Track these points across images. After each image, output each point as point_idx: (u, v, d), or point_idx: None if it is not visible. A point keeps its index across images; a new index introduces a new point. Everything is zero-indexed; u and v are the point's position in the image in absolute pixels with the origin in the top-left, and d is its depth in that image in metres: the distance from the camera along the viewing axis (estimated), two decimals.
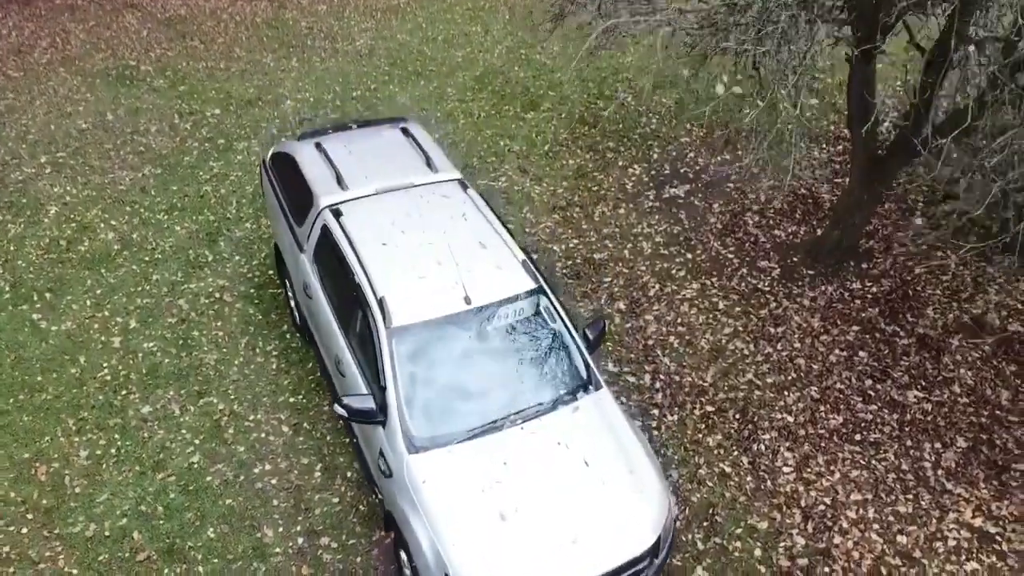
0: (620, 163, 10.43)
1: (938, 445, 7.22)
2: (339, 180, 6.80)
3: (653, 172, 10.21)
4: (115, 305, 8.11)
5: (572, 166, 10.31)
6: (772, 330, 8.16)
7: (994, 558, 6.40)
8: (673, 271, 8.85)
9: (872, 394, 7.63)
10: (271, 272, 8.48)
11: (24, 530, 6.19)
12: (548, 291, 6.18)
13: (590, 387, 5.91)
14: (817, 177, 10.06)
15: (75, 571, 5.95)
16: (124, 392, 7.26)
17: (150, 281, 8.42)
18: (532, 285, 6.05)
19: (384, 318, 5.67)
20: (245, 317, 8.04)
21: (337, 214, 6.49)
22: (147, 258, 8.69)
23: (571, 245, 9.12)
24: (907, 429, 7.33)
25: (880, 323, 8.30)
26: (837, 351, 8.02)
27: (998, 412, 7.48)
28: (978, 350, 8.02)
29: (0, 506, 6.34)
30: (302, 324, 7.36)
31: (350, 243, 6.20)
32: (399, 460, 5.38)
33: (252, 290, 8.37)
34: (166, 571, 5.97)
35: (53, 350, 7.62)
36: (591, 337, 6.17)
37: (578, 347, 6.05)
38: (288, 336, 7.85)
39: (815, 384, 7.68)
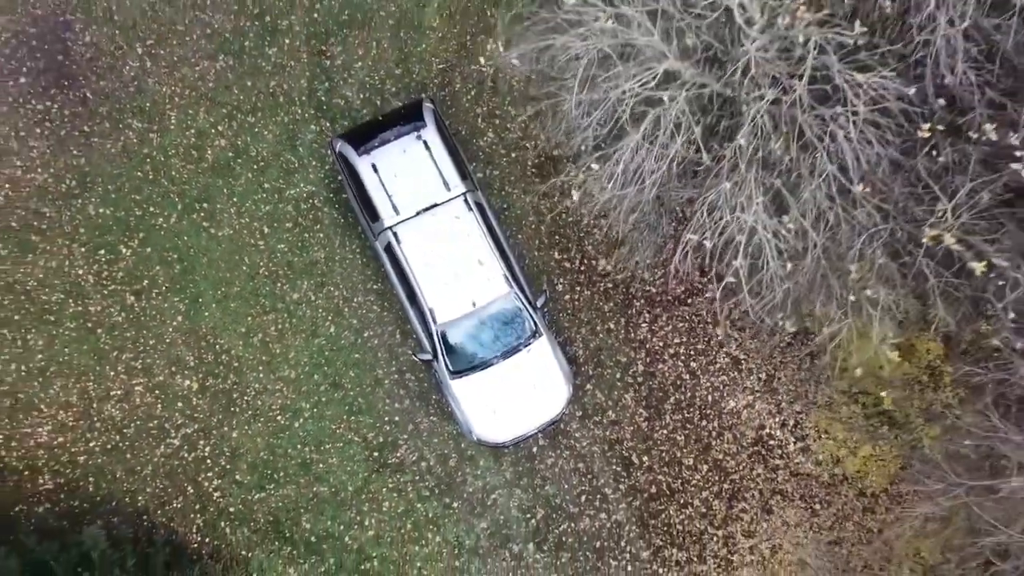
0: None
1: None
2: (394, 207, 12.00)
3: None
4: (250, 213, 13.61)
5: None
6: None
7: (736, 373, 13.73)
8: None
9: (706, 269, 13.86)
10: (339, 177, 13.60)
11: (261, 375, 13.33)
12: (516, 289, 12.16)
13: (538, 335, 12.43)
14: None
15: (293, 396, 13.30)
16: (279, 284, 13.50)
17: (263, 189, 13.67)
18: (508, 290, 12.05)
19: (434, 320, 11.95)
20: (333, 221, 13.65)
21: (398, 239, 11.97)
22: (254, 166, 13.70)
23: (539, 143, 13.96)
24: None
25: None
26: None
27: None
28: None
29: (244, 360, 13.32)
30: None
31: (408, 265, 11.93)
32: (445, 380, 12.33)
33: (331, 195, 13.70)
34: (336, 395, 13.33)
35: (227, 252, 13.51)
36: (539, 305, 12.41)
37: (531, 315, 12.35)
38: (361, 236, 13.64)
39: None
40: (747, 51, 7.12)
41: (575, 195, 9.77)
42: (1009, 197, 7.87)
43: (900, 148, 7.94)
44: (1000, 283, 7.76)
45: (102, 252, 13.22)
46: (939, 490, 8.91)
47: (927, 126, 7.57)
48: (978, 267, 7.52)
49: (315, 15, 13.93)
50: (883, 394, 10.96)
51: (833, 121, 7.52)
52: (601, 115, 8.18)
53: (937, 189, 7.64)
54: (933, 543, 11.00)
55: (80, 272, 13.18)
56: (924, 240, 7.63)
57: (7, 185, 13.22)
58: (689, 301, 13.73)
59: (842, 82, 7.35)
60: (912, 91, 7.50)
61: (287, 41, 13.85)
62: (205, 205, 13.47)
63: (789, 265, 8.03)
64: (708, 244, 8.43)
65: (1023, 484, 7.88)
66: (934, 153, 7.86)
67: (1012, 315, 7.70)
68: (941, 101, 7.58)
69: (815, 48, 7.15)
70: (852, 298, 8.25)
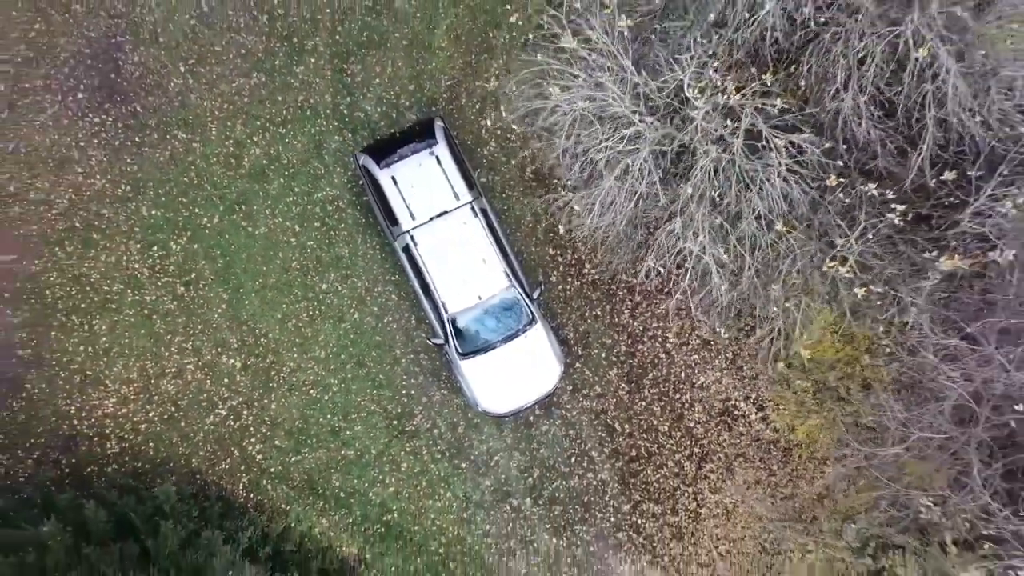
0: None
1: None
2: (411, 213, 14.26)
3: None
4: (283, 214, 15.87)
5: None
6: None
7: (706, 353, 16.10)
8: None
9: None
10: (361, 182, 15.85)
11: (295, 355, 15.73)
12: (515, 283, 14.47)
13: (534, 322, 14.80)
14: None
15: (323, 373, 15.70)
16: (310, 275, 15.82)
17: (294, 192, 15.91)
18: (508, 284, 14.38)
19: (445, 310, 14.30)
20: (355, 220, 15.92)
21: (415, 241, 14.26)
22: (286, 172, 15.93)
23: (535, 151, 16.17)
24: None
25: None
26: None
27: None
28: None
29: (280, 342, 15.71)
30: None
31: (423, 263, 14.24)
32: (455, 360, 14.73)
33: (353, 198, 15.96)
34: (360, 372, 15.74)
35: (263, 248, 15.80)
36: (535, 296, 14.75)
37: (528, 305, 14.70)
38: (380, 235, 15.93)
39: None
40: (695, 116, 9.29)
41: (561, 228, 12.02)
42: (903, 226, 10.09)
43: (819, 188, 10.15)
44: (878, 303, 10.05)
45: (155, 248, 15.50)
46: (844, 455, 11.30)
47: (833, 176, 9.78)
48: (859, 292, 9.78)
49: (337, 37, 15.98)
50: (801, 382, 13.37)
51: (763, 170, 9.71)
52: (582, 162, 10.39)
53: (843, 224, 9.88)
54: (858, 496, 13.46)
55: (136, 266, 15.47)
56: (824, 268, 9.91)
57: (70, 190, 15.44)
58: (666, 291, 16.02)
59: (769, 140, 9.52)
60: (826, 145, 9.68)
61: (313, 60, 15.92)
62: (243, 207, 15.69)
63: (725, 285, 10.33)
64: (663, 270, 10.72)
65: (901, 451, 10.25)
66: (841, 195, 10.07)
67: (881, 328, 10.02)
68: (840, 162, 9.76)
69: (748, 114, 9.30)
70: (775, 308, 10.55)
